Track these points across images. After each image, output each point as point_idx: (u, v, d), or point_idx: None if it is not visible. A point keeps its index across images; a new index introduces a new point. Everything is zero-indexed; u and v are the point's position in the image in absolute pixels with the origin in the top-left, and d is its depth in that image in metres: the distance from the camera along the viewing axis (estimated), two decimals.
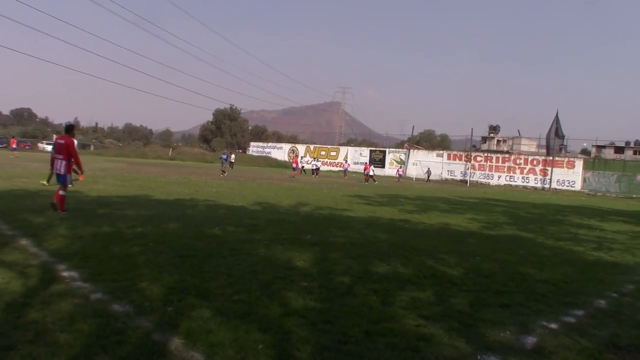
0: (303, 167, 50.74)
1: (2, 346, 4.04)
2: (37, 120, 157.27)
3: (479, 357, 4.56)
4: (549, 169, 61.84)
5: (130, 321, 4.79)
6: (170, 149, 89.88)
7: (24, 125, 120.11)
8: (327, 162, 76.86)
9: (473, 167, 64.64)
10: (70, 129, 12.22)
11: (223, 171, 39.04)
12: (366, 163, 54.90)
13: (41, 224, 9.85)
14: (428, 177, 58.94)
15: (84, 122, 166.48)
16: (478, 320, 5.53)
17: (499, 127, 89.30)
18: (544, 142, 67.93)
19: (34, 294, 5.44)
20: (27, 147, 76.64)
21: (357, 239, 10.80)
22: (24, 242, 8.09)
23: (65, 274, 6.38)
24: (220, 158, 41.66)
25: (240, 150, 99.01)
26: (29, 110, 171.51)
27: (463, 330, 5.17)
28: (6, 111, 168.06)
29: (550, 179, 61.45)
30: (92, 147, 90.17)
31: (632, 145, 76.43)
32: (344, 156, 77.29)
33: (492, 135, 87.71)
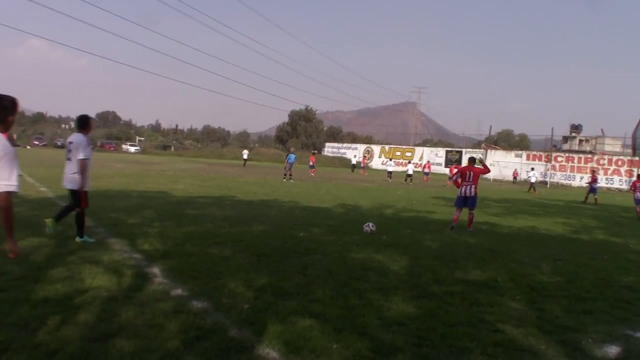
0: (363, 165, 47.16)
1: (90, 338, 4.24)
2: (121, 122, 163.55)
3: None
4: (635, 169, 58.99)
5: (209, 317, 4.92)
6: (247, 150, 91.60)
7: (109, 128, 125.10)
8: (400, 162, 76.18)
9: (553, 167, 62.48)
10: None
11: (286, 174, 31.51)
12: (428, 161, 53.22)
13: (130, 224, 10.25)
14: (531, 186, 39.60)
15: (165, 124, 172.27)
16: (558, 327, 5.35)
17: (582, 126, 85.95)
18: (629, 142, 64.88)
19: (120, 289, 5.69)
20: (112, 149, 79.91)
21: (435, 241, 10.66)
22: (112, 240, 8.45)
23: (147, 270, 6.63)
24: (287, 159, 32.78)
25: (316, 151, 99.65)
26: (113, 114, 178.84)
27: (542, 337, 5.01)
28: (92, 114, 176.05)
29: None
30: (172, 148, 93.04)
31: None
32: (419, 156, 76.48)
33: (573, 134, 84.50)
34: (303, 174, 38.72)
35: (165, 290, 5.78)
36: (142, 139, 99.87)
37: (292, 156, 32.62)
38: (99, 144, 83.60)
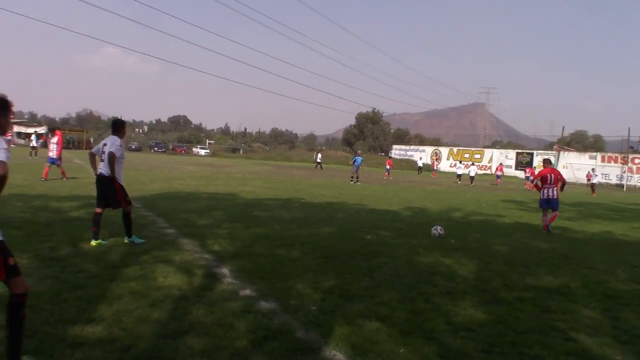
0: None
1: (162, 335, 4.36)
2: (192, 126, 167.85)
3: None
4: None
5: (276, 318, 4.97)
6: (315, 153, 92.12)
7: (180, 131, 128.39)
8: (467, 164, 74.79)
9: (630, 170, 59.78)
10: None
11: (352, 177, 31.33)
12: (500, 164, 51.58)
13: (200, 225, 10.49)
14: (591, 187, 37.55)
15: (234, 128, 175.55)
16: (635, 337, 5.11)
17: None
18: None
19: (191, 288, 5.83)
20: (183, 152, 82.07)
21: (505, 245, 10.43)
22: (184, 241, 8.67)
23: (217, 270, 6.76)
24: (354, 161, 32.27)
25: (383, 153, 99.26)
26: (184, 117, 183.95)
27: (618, 347, 4.80)
28: (164, 118, 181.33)
29: None
30: (241, 151, 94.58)
31: None
32: (488, 159, 74.98)
33: None
34: (375, 178, 38.50)
35: (234, 290, 5.88)
36: (212, 142, 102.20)
37: (359, 159, 32.47)
38: (171, 147, 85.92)
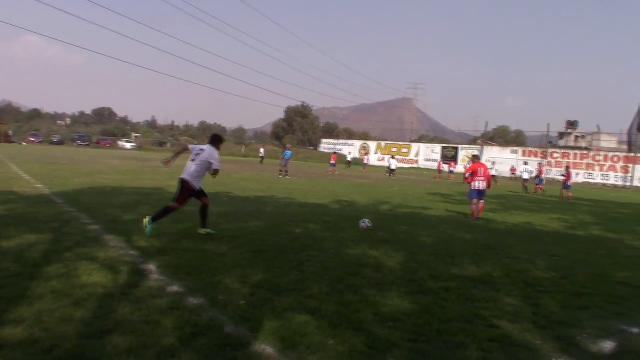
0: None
1: (86, 335, 4.24)
2: (117, 118, 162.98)
3: None
4: (631, 165, 59.13)
5: (205, 313, 4.93)
6: (243, 146, 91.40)
7: (105, 124, 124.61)
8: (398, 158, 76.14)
9: (549, 163, 62.51)
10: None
11: (281, 171, 31.38)
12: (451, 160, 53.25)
13: (125, 220, 10.22)
14: (524, 183, 36.02)
15: (161, 121, 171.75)
16: (553, 322, 5.38)
17: (578, 123, 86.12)
18: (625, 138, 65.05)
19: (116, 286, 5.68)
20: (107, 145, 79.79)
21: (431, 236, 10.69)
22: (108, 237, 8.42)
23: (143, 267, 6.62)
24: (282, 155, 32.85)
25: (312, 147, 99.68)
26: (109, 110, 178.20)
27: (537, 332, 5.04)
28: (88, 110, 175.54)
29: (632, 176, 58.75)
30: (168, 144, 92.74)
31: None
32: (415, 153, 76.55)
33: (569, 130, 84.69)
34: (304, 171, 38.55)
35: (161, 286, 5.78)
36: (138, 135, 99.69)
37: (288, 152, 32.84)
38: (95, 140, 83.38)
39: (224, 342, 4.26)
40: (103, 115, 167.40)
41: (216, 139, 9.71)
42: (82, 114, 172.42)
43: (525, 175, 36.41)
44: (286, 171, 31.41)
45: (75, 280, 5.80)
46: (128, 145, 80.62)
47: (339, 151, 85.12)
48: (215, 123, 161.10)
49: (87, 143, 79.74)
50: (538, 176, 36.00)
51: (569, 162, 59.04)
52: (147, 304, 5.09)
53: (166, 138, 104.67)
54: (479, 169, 15.11)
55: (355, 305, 5.48)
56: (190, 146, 9.60)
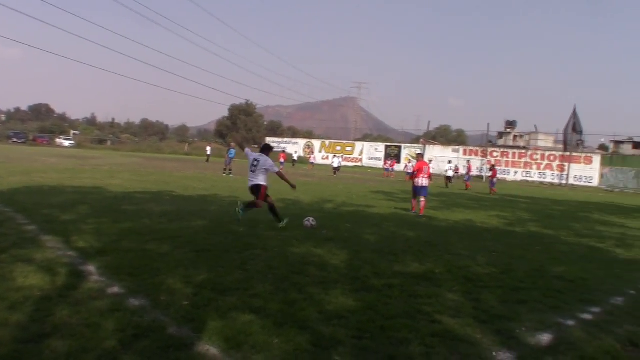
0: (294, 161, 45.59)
1: (23, 339, 4.10)
2: (55, 115, 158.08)
3: (494, 353, 4.55)
4: (566, 164, 61.13)
5: (147, 315, 4.83)
6: (186, 144, 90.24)
7: (42, 121, 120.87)
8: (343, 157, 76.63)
9: (489, 162, 64.02)
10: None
11: (226, 169, 31.49)
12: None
13: (64, 220, 9.93)
14: (447, 180, 38.42)
15: (101, 118, 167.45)
16: (494, 317, 5.52)
17: (516, 123, 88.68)
18: (561, 138, 67.22)
19: (54, 288, 5.51)
20: (45, 143, 77.38)
21: (375, 234, 10.80)
22: (46, 238, 8.16)
23: (82, 268, 6.45)
24: (227, 153, 32.79)
25: (256, 145, 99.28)
26: (47, 106, 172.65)
27: (478, 327, 5.16)
28: (25, 107, 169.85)
29: (568, 175, 60.78)
30: (108, 142, 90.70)
31: None
32: (359, 151, 77.12)
33: (508, 130, 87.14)
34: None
35: (101, 288, 5.64)
36: (77, 132, 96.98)
37: (233, 151, 32.60)
38: (31, 137, 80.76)
39: (167, 344, 4.19)
40: (40, 111, 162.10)
41: (266, 148, 11.78)
42: (18, 110, 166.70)
43: (450, 173, 38.92)
44: (230, 169, 31.16)
45: (10, 283, 5.60)
46: (67, 143, 78.28)
47: (283, 150, 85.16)
48: (157, 121, 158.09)
49: (23, 141, 77.13)
50: (467, 173, 38.59)
51: (498, 160, 61.01)
52: (87, 306, 4.96)
53: (106, 136, 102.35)
54: (424, 167, 16.05)
55: (300, 304, 5.48)
56: (246, 150, 11.86)
